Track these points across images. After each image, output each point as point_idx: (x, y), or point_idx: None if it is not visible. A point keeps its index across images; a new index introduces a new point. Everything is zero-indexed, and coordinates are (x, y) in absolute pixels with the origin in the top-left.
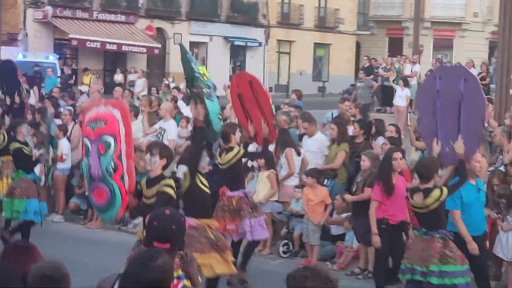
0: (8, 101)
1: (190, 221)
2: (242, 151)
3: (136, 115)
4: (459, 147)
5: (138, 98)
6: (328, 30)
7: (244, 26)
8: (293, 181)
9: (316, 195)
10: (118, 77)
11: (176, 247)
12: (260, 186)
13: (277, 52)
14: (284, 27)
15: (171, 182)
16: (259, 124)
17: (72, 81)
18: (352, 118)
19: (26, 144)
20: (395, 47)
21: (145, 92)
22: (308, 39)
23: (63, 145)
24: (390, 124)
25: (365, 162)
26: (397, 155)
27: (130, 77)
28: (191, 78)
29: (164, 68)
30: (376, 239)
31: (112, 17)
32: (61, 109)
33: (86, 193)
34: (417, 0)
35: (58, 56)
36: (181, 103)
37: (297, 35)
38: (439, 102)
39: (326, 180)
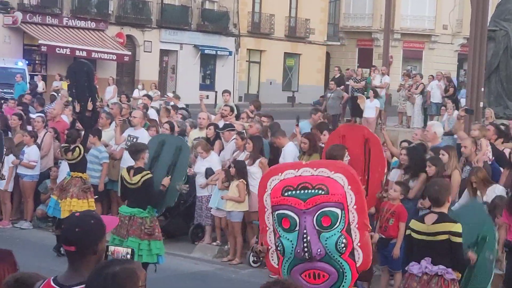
0: (77, 107)
1: None
2: None
3: (110, 123)
4: None
5: (108, 105)
6: (299, 40)
7: (214, 34)
8: None
9: None
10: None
11: (86, 250)
12: (230, 195)
13: (247, 61)
14: (255, 37)
15: None
16: None
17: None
18: None
19: None
20: (365, 58)
21: (115, 100)
22: (278, 48)
23: (33, 152)
24: None
25: None
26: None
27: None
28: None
29: (134, 76)
30: None
31: (82, 23)
32: (32, 115)
33: (282, 274)
34: (387, 12)
35: (27, 62)
36: (151, 111)
37: (267, 44)
38: None
39: None
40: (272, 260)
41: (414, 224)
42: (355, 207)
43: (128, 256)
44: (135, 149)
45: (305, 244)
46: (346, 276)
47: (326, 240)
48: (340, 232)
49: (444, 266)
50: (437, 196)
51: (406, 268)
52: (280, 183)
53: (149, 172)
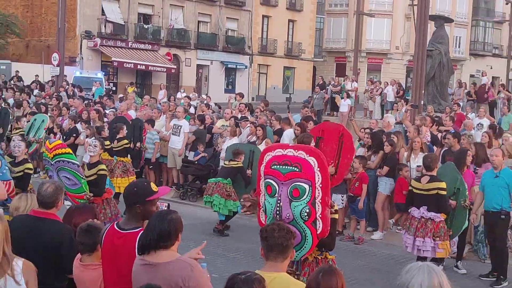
0: (132, 145)
1: None
2: None
3: (160, 116)
4: None
5: (160, 103)
6: (294, 57)
7: (235, 54)
8: None
9: None
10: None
11: (129, 205)
12: None
13: (257, 72)
14: (263, 55)
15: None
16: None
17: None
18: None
19: None
20: (341, 70)
21: (165, 100)
22: (279, 63)
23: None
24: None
25: None
26: (470, 152)
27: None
28: None
29: (178, 83)
30: None
31: (142, 46)
32: (106, 111)
33: None
34: (356, 37)
35: (104, 73)
36: (192, 109)
37: (272, 60)
38: None
39: None
40: (262, 217)
41: (414, 183)
42: (321, 185)
43: (165, 208)
44: (236, 152)
45: (278, 209)
46: (307, 239)
47: (294, 208)
48: (306, 203)
49: (434, 212)
50: (429, 164)
51: (408, 211)
52: (271, 158)
53: (240, 163)
